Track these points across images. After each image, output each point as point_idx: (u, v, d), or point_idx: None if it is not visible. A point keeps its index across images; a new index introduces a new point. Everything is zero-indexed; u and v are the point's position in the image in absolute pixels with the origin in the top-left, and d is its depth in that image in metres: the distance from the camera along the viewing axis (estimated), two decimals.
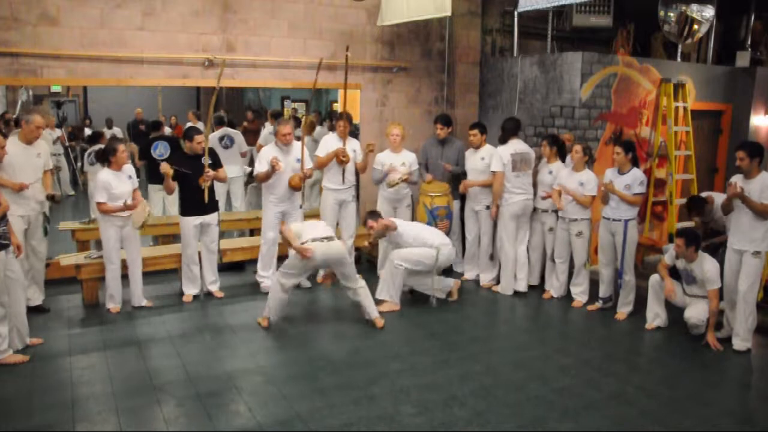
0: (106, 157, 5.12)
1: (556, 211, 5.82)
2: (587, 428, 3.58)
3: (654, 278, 5.17)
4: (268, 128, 7.81)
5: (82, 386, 3.95)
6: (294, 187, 5.67)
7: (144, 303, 5.38)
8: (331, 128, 7.67)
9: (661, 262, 5.16)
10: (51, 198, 5.27)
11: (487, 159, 5.99)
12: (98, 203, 5.05)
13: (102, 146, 5.95)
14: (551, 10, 7.28)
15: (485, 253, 6.21)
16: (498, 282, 6.16)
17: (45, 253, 5.23)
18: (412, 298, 5.84)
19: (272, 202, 5.73)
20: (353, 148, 6.11)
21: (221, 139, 7.25)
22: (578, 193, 5.51)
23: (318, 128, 8.48)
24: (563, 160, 5.92)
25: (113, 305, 5.25)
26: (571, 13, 7.47)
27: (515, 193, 5.85)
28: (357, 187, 6.49)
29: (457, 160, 6.26)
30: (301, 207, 5.91)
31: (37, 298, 5.21)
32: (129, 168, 5.23)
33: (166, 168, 5.26)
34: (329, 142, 6.07)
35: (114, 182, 5.03)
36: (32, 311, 5.04)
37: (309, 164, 5.83)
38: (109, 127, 10.97)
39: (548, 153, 5.82)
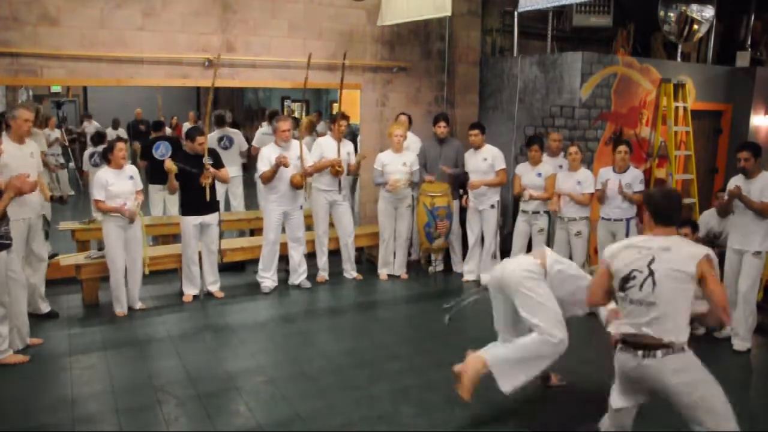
0: (105, 155, 5.14)
1: (547, 212, 5.83)
2: (587, 428, 3.58)
3: None
4: (261, 129, 7.80)
5: (82, 386, 3.95)
6: (296, 185, 5.67)
7: (138, 306, 5.36)
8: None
9: None
10: (60, 199, 5.24)
11: (489, 159, 6.02)
12: (95, 201, 5.05)
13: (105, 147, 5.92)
14: (551, 10, 7.28)
15: (488, 253, 6.21)
16: None
17: (46, 257, 5.12)
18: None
19: (274, 202, 5.73)
20: (347, 150, 6.13)
21: (220, 139, 7.24)
22: (576, 193, 5.53)
23: (321, 123, 8.53)
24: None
25: (120, 309, 5.23)
26: (571, 13, 7.47)
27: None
28: (355, 187, 6.49)
29: (456, 159, 6.27)
30: (301, 207, 5.91)
31: (45, 306, 5.12)
32: (131, 168, 5.22)
33: (170, 165, 5.25)
34: (323, 144, 6.08)
35: (112, 180, 5.01)
36: (42, 317, 5.05)
37: (309, 162, 5.83)
38: (115, 128, 10.98)
39: (539, 157, 5.83)
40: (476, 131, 6.08)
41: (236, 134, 7.46)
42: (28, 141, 4.81)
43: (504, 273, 3.59)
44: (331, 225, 6.30)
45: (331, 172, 5.95)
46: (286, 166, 5.52)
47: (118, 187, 5.03)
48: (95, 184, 5.05)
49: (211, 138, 7.10)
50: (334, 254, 6.42)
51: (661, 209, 2.84)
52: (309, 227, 6.49)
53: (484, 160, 6.04)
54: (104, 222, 5.12)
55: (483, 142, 6.09)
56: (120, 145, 5.11)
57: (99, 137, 7.60)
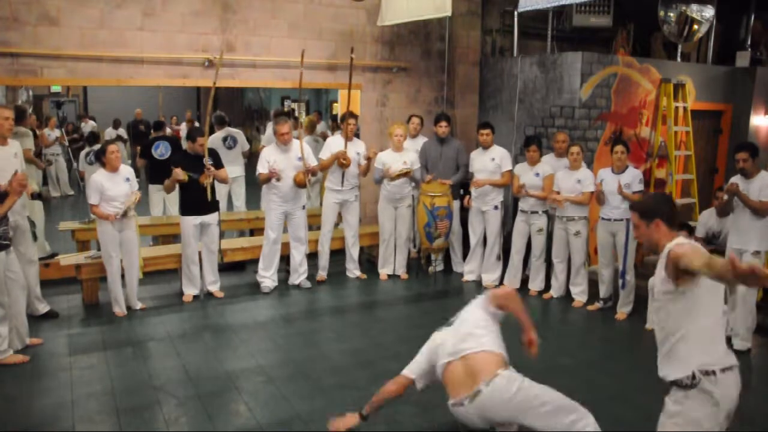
0: (99, 158, 5.12)
1: (546, 212, 5.83)
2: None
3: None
4: (270, 128, 7.83)
5: (82, 386, 3.95)
6: (299, 184, 5.68)
7: (138, 306, 5.37)
8: (335, 128, 7.70)
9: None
10: (39, 196, 5.18)
11: (497, 159, 6.02)
12: (90, 205, 5.02)
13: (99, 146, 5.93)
14: (551, 10, 7.28)
15: (492, 253, 6.21)
16: (501, 282, 6.16)
17: (36, 258, 5.08)
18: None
19: (275, 201, 5.74)
20: (357, 150, 6.13)
21: (225, 139, 7.26)
22: (576, 192, 5.54)
23: (321, 124, 8.54)
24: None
25: (118, 309, 5.23)
26: (571, 13, 7.47)
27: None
28: (358, 187, 6.48)
29: (457, 159, 6.27)
30: (304, 207, 5.91)
31: (43, 307, 5.10)
32: (127, 170, 5.18)
33: (182, 175, 5.23)
34: (333, 144, 6.09)
35: (107, 184, 4.98)
36: (42, 317, 5.06)
37: (313, 161, 5.83)
38: (116, 128, 10.99)
39: (537, 158, 5.83)
40: (487, 131, 6.08)
41: (239, 134, 7.49)
42: (11, 141, 4.72)
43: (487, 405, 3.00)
44: (338, 225, 6.31)
45: (338, 164, 5.96)
46: (278, 180, 5.55)
47: (113, 191, 5.00)
48: (90, 188, 5.00)
49: (216, 138, 7.12)
50: (338, 254, 6.42)
51: (673, 213, 2.67)
52: (312, 227, 6.50)
53: (492, 160, 6.04)
54: (99, 223, 5.10)
55: (492, 142, 6.10)
56: (112, 147, 5.05)
57: (93, 137, 7.63)
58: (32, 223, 5.10)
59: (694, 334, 2.47)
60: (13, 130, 4.76)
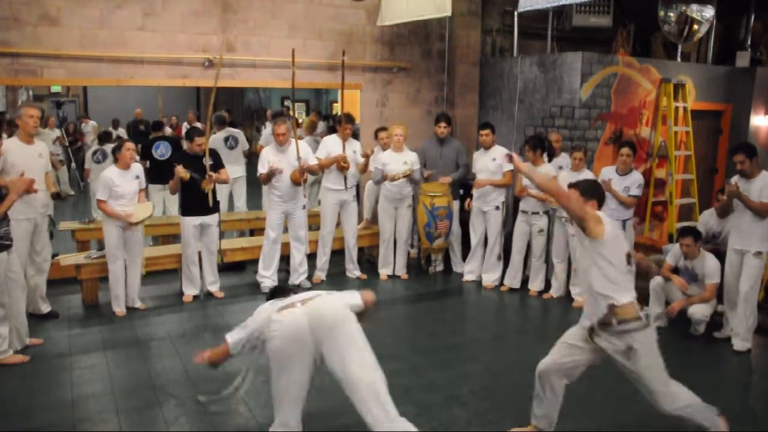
0: (114, 155, 5.17)
1: (547, 212, 5.83)
2: (587, 428, 3.58)
3: (656, 280, 5.17)
4: (268, 129, 7.84)
5: (82, 386, 3.95)
6: (294, 182, 5.67)
7: (138, 305, 5.37)
8: (332, 129, 7.69)
9: (664, 264, 5.15)
10: (57, 196, 5.21)
11: (498, 159, 5.99)
12: (98, 200, 5.06)
13: (110, 146, 5.98)
14: (551, 10, 7.28)
15: (492, 254, 6.20)
16: (502, 282, 6.15)
17: (49, 257, 5.11)
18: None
19: (276, 201, 5.75)
20: (353, 149, 6.13)
21: (226, 139, 7.26)
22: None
23: (320, 124, 8.55)
24: (549, 159, 5.93)
25: (118, 309, 5.23)
26: (571, 13, 7.47)
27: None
28: (357, 187, 6.48)
29: (457, 159, 6.27)
30: (304, 207, 5.91)
31: (45, 307, 5.10)
32: (137, 168, 5.23)
33: (183, 173, 5.23)
34: (329, 143, 6.09)
35: (118, 180, 5.02)
36: (42, 317, 5.06)
37: (312, 161, 5.82)
38: (114, 128, 11.02)
39: (532, 158, 5.76)
40: (487, 131, 6.04)
41: (240, 134, 7.50)
42: (36, 141, 4.79)
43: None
44: (338, 225, 6.31)
45: (336, 167, 5.97)
46: (279, 173, 5.55)
47: (123, 188, 5.04)
48: (100, 184, 5.05)
49: (218, 138, 7.13)
50: (338, 254, 6.41)
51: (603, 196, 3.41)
52: (312, 227, 6.49)
53: (493, 161, 6.01)
54: (105, 221, 5.12)
55: (493, 143, 6.08)
56: (128, 144, 5.12)
57: (106, 136, 7.65)
58: (52, 222, 5.11)
59: None
60: (38, 128, 4.81)
